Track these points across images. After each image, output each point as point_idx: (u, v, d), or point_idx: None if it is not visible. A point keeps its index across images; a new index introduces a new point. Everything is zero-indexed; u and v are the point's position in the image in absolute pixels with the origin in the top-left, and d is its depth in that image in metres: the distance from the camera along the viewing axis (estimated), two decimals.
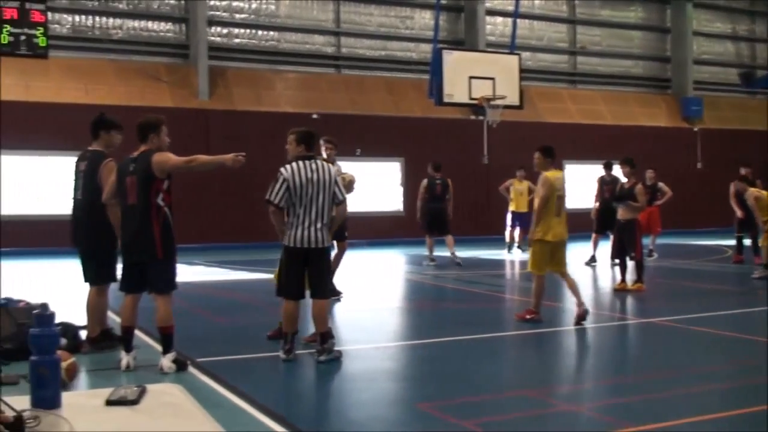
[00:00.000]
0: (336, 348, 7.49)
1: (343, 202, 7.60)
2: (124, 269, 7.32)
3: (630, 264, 12.68)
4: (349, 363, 7.46)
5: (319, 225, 7.33)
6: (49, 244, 18.99)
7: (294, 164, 7.42)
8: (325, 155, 10.80)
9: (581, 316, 9.22)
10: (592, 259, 16.66)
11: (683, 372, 7.10)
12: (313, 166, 7.42)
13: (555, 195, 9.32)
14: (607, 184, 16.41)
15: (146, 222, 6.96)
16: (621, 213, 12.60)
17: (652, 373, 7.09)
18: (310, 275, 7.44)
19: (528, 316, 9.48)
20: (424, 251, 17.53)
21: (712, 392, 6.49)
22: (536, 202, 9.50)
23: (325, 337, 7.39)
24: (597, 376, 7.37)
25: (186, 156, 7.08)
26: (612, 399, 6.33)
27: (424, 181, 16.78)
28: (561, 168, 9.38)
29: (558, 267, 9.62)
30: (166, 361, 6.96)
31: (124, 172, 7.13)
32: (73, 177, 8.20)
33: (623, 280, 12.54)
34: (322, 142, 10.89)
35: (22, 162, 19.63)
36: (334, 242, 7.46)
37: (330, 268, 7.73)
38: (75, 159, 8.32)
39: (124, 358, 7.11)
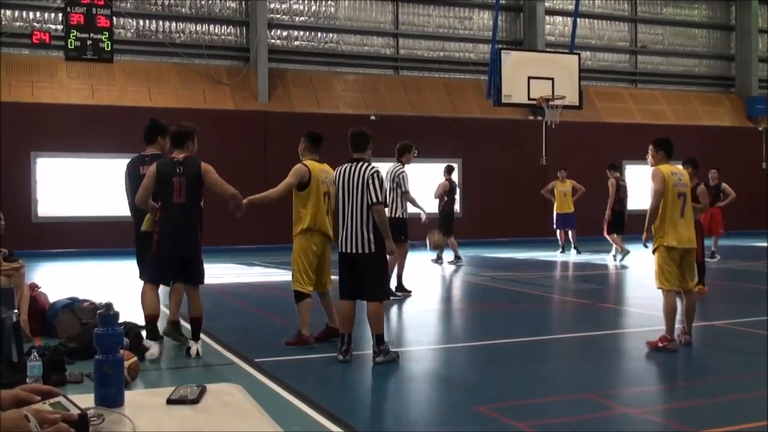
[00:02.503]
0: (393, 350, 7.53)
1: (378, 204, 7.29)
2: (160, 262, 7.68)
3: None
4: (406, 364, 7.50)
5: (361, 229, 7.30)
6: (106, 245, 19.17)
7: (339, 167, 7.54)
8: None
9: (682, 343, 8.20)
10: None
11: (745, 376, 6.98)
12: (352, 168, 7.43)
13: (672, 191, 8.07)
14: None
15: (193, 221, 7.73)
16: None
17: (712, 377, 6.99)
18: (361, 279, 7.42)
19: (661, 344, 7.92)
20: (481, 252, 17.50)
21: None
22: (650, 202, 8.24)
23: (380, 339, 7.43)
24: (656, 380, 7.28)
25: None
26: (671, 403, 6.26)
27: (447, 185, 16.79)
28: (672, 164, 8.58)
29: (684, 282, 8.19)
30: (197, 346, 7.67)
31: (170, 173, 7.56)
32: (131, 180, 8.34)
33: None
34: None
35: (88, 164, 20.04)
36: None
37: (386, 270, 7.67)
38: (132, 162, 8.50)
39: (154, 347, 7.39)
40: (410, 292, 12.22)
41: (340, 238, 7.47)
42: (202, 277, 7.96)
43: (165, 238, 7.56)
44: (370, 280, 7.40)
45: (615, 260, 17.32)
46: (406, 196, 11.72)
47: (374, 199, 7.28)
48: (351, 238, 7.33)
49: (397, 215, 11.50)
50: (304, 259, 8.23)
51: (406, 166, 11.98)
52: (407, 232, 11.95)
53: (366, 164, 7.44)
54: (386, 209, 11.23)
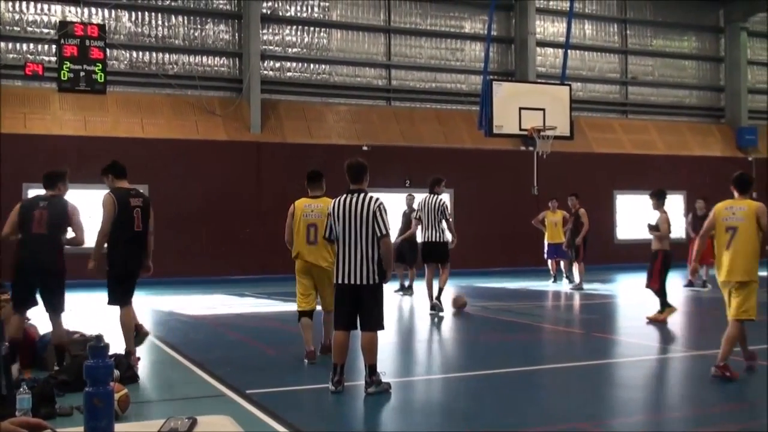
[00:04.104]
0: (385, 380, 7.49)
1: (386, 236, 7.37)
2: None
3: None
4: (399, 395, 7.46)
5: (366, 260, 7.30)
6: (102, 277, 19.27)
7: (338, 198, 7.53)
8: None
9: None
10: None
11: (736, 406, 6.97)
12: (353, 200, 7.41)
13: (720, 225, 8.30)
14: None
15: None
16: (653, 243, 12.65)
17: (706, 407, 6.97)
18: (362, 309, 7.42)
19: (728, 373, 7.95)
20: (474, 282, 17.51)
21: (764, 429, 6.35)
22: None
23: (373, 369, 7.40)
24: (650, 410, 7.26)
25: None
26: None
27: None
28: (740, 197, 8.65)
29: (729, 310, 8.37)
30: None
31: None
32: (125, 211, 8.69)
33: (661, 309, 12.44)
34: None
35: (79, 195, 20.01)
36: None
37: (382, 301, 7.61)
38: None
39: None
40: (443, 310, 13.53)
41: (340, 270, 7.40)
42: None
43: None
44: (370, 310, 7.40)
45: (574, 285, 18.11)
46: (449, 223, 13.45)
47: (384, 232, 7.34)
48: (354, 269, 7.31)
49: (442, 240, 13.41)
50: (297, 282, 9.20)
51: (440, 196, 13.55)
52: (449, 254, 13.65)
53: (367, 196, 7.44)
54: (430, 234, 13.34)
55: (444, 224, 13.41)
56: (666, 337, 11.52)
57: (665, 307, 12.40)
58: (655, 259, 12.49)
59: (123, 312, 8.59)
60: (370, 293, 7.38)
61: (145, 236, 8.72)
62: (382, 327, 7.55)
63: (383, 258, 7.40)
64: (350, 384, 7.56)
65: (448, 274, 13.79)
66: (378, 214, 7.33)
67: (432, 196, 13.49)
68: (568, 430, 6.24)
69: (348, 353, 7.54)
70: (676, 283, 19.16)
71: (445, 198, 13.69)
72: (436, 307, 13.46)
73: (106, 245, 8.62)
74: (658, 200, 12.66)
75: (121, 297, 8.62)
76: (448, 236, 13.70)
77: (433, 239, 13.43)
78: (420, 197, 13.92)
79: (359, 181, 7.58)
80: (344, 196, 7.49)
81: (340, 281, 7.43)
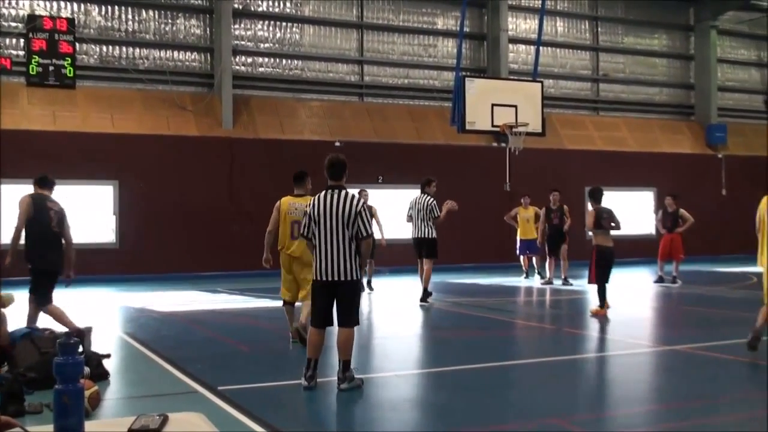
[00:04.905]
0: (358, 376, 7.48)
1: (368, 237, 7.41)
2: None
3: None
4: (371, 391, 7.45)
5: (344, 257, 7.29)
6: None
7: (317, 195, 7.52)
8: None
9: None
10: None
11: (706, 401, 7.03)
12: (332, 196, 7.39)
13: (764, 220, 8.81)
14: (553, 212, 18.32)
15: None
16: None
17: (678, 402, 7.03)
18: (340, 305, 7.42)
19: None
20: (446, 278, 17.56)
21: (735, 422, 6.42)
22: None
23: (347, 365, 7.39)
24: (623, 405, 7.30)
25: None
26: (638, 428, 6.28)
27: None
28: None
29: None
30: None
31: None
32: (41, 211, 9.41)
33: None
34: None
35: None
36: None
37: (359, 298, 7.69)
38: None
39: None
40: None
41: (319, 267, 7.38)
42: None
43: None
44: (347, 306, 7.41)
45: (545, 281, 18.35)
46: (437, 221, 14.44)
47: (367, 232, 7.38)
48: (333, 265, 7.29)
49: (431, 236, 14.47)
50: (282, 273, 9.96)
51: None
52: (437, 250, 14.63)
53: (347, 194, 7.43)
54: (420, 230, 14.31)
55: (431, 222, 14.45)
56: (636, 333, 11.62)
57: (603, 301, 12.66)
58: (592, 255, 12.83)
59: (47, 311, 9.29)
60: (348, 289, 7.38)
61: (62, 238, 9.52)
62: (357, 323, 7.54)
63: (364, 257, 7.50)
64: (323, 380, 7.54)
65: (431, 269, 14.62)
66: (363, 215, 7.35)
67: (423, 195, 14.57)
68: (540, 426, 6.26)
69: (322, 349, 7.53)
70: (646, 279, 19.35)
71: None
72: (420, 305, 14.27)
73: (24, 243, 9.23)
74: (594, 200, 13.13)
75: (42, 296, 9.26)
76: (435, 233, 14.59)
77: (422, 235, 14.52)
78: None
79: (338, 177, 7.54)
80: (323, 192, 7.47)
81: (318, 277, 7.41)
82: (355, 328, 7.51)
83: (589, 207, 13.29)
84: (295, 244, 9.60)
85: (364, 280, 17.34)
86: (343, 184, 7.57)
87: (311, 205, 7.50)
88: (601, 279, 12.63)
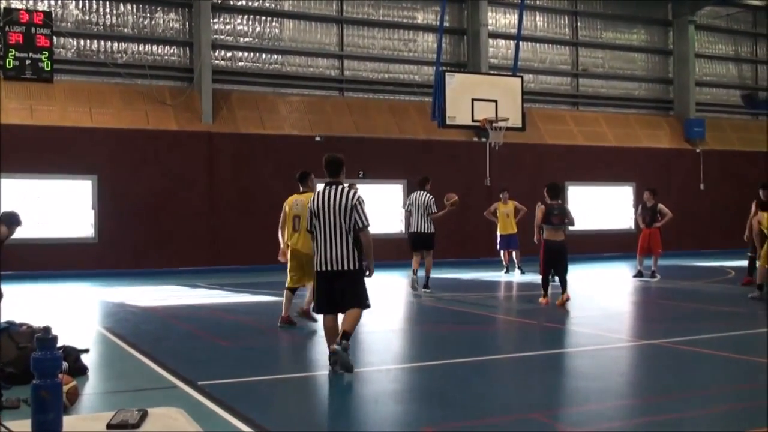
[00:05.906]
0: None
1: (365, 228, 7.79)
2: None
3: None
4: (356, 385, 7.47)
5: (345, 247, 7.70)
6: (49, 267, 19.13)
7: (317, 191, 8.03)
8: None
9: None
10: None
11: (684, 394, 7.08)
12: (332, 191, 7.82)
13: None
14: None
15: None
16: None
17: (656, 396, 7.07)
18: (345, 294, 7.78)
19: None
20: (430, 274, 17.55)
21: (712, 415, 6.47)
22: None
23: (346, 336, 7.68)
24: (601, 399, 7.34)
25: None
26: (616, 422, 6.32)
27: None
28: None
29: None
30: None
31: None
32: None
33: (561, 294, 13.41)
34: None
35: (25, 185, 19.67)
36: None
37: (363, 285, 7.99)
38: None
39: None
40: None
41: (321, 258, 7.78)
42: None
43: None
44: (352, 294, 7.80)
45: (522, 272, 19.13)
46: (434, 215, 15.29)
47: (365, 224, 7.81)
48: (334, 256, 7.72)
49: (429, 230, 15.33)
50: (289, 262, 10.86)
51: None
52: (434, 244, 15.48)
53: (345, 188, 7.92)
54: (418, 225, 15.27)
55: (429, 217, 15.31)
56: (615, 327, 11.69)
57: (546, 291, 13.60)
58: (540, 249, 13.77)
59: None
60: (350, 279, 7.78)
61: None
62: (368, 306, 7.99)
63: (364, 249, 7.87)
64: (308, 374, 7.54)
65: (431, 261, 15.52)
66: (358, 207, 7.79)
67: (421, 192, 15.49)
68: (518, 420, 6.28)
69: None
70: (625, 274, 19.45)
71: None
72: (424, 292, 15.26)
73: None
74: (550, 193, 13.66)
75: None
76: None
77: (422, 230, 15.35)
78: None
79: (337, 174, 8.07)
80: (323, 188, 7.96)
81: (319, 268, 7.82)
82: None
83: (540, 203, 13.91)
84: (296, 236, 10.65)
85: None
86: (341, 180, 8.04)
87: (312, 201, 8.00)
88: (545, 271, 13.62)
